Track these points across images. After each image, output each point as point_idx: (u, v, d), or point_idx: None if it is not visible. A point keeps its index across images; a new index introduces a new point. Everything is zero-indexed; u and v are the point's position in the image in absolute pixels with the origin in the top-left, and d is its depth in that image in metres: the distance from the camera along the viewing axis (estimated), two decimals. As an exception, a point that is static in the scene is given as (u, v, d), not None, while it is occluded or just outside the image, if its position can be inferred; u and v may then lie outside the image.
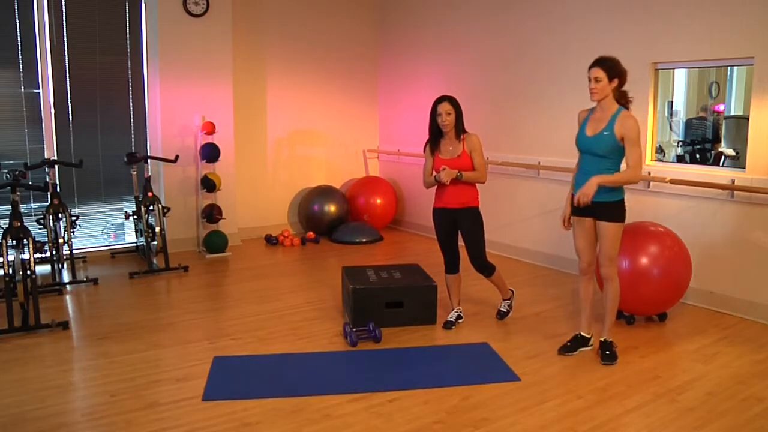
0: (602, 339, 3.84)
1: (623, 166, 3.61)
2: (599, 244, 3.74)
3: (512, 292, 4.55)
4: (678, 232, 4.39)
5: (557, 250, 5.89)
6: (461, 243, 4.28)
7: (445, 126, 4.10)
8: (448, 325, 4.33)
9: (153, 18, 6.16)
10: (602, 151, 3.60)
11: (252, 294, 5.11)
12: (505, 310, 4.51)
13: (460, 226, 4.25)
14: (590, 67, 3.64)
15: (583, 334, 3.94)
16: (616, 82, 3.61)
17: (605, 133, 3.59)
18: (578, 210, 3.71)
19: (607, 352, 3.78)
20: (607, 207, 3.64)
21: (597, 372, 3.63)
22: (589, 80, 3.62)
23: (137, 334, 4.18)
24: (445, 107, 4.08)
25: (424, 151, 4.29)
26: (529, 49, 6.02)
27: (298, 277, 5.70)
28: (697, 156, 5.26)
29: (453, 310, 4.41)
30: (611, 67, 3.59)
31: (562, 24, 5.69)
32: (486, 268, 4.28)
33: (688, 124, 5.40)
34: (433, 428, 3.00)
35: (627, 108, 3.67)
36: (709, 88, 5.36)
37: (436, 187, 4.26)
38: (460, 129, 4.14)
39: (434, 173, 4.15)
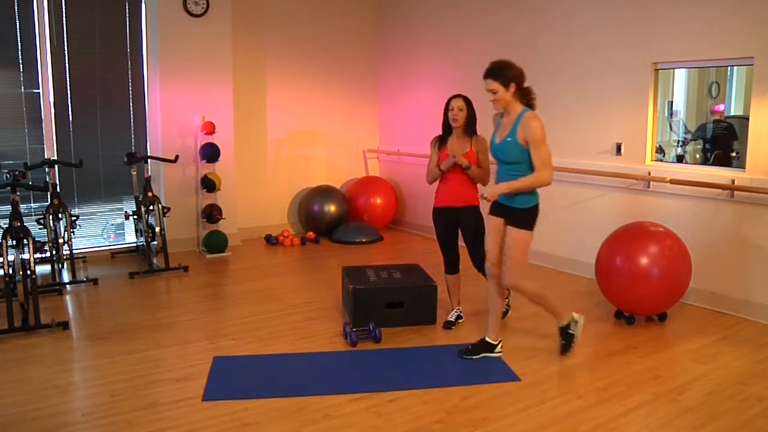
0: (561, 325, 3.82)
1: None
2: (505, 249, 3.63)
3: (508, 291, 4.54)
4: (678, 232, 4.39)
5: (557, 250, 5.89)
6: (461, 243, 4.29)
7: (454, 121, 4.14)
8: (448, 325, 4.34)
9: (153, 18, 6.16)
10: (508, 158, 3.51)
11: (252, 294, 5.11)
12: (504, 309, 4.50)
13: (461, 225, 4.26)
14: (484, 78, 3.50)
15: (488, 340, 3.84)
16: (513, 86, 3.47)
17: (508, 139, 3.49)
18: (492, 209, 3.69)
19: (564, 342, 3.79)
20: (516, 212, 3.56)
21: (597, 372, 3.63)
22: (487, 91, 3.51)
23: (137, 334, 4.18)
24: (457, 103, 4.15)
25: (431, 146, 4.32)
26: (529, 49, 6.02)
27: (298, 277, 5.70)
28: (709, 156, 5.22)
29: (453, 310, 4.41)
30: (504, 75, 3.45)
31: (562, 24, 5.69)
32: None
33: (704, 128, 5.36)
34: (433, 428, 3.00)
35: (532, 107, 3.55)
36: (709, 88, 5.35)
37: (437, 186, 4.27)
38: (470, 129, 4.18)
39: (442, 163, 4.18)
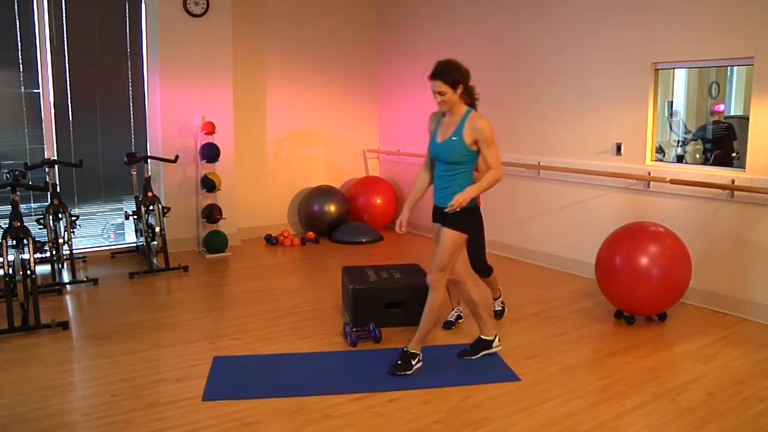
0: (406, 349, 3.62)
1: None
2: (437, 250, 3.56)
3: (500, 290, 4.55)
4: (678, 232, 4.39)
5: (557, 250, 5.89)
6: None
7: None
8: (448, 325, 4.34)
9: (153, 18, 6.16)
10: (451, 158, 3.45)
11: (252, 294, 5.11)
12: (500, 308, 4.52)
13: None
14: (431, 79, 3.40)
15: (483, 337, 3.80)
16: (461, 88, 3.41)
17: (454, 138, 3.43)
18: (436, 217, 3.58)
19: (399, 362, 3.57)
20: (454, 214, 3.45)
21: (597, 372, 3.63)
22: (433, 93, 3.41)
23: (137, 334, 4.18)
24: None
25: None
26: (529, 49, 6.02)
27: (298, 277, 5.70)
28: (709, 156, 5.22)
29: (453, 310, 4.41)
30: (452, 77, 3.38)
31: (562, 24, 5.69)
32: (485, 269, 4.29)
33: (704, 128, 5.37)
34: (433, 428, 3.00)
35: (475, 107, 3.53)
36: (709, 88, 5.35)
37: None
38: None
39: None
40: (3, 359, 3.75)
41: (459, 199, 3.38)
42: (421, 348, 3.67)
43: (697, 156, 5.26)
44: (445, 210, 3.42)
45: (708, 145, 5.22)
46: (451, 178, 3.50)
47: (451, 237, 3.51)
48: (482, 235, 4.22)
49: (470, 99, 3.52)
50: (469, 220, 3.55)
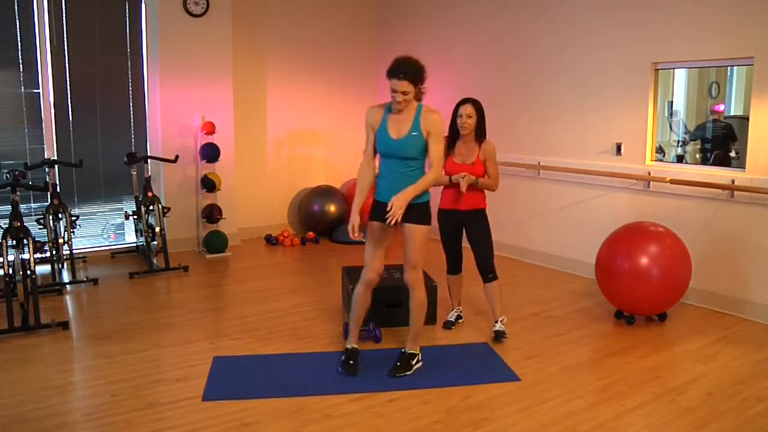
0: (404, 350, 3.64)
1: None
2: (406, 249, 3.53)
3: (504, 317, 4.26)
4: (678, 232, 4.39)
5: (557, 250, 5.89)
6: (465, 244, 4.25)
7: (463, 128, 4.01)
8: (448, 325, 4.34)
9: (153, 18, 6.16)
10: (410, 154, 3.40)
11: (252, 294, 5.11)
12: (500, 329, 4.14)
13: (468, 228, 4.18)
14: (394, 78, 3.29)
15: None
16: (420, 85, 3.37)
17: (414, 134, 3.38)
18: (377, 214, 3.50)
19: (399, 364, 3.56)
20: (415, 209, 3.43)
21: (597, 372, 3.63)
22: (395, 92, 3.31)
23: (137, 334, 4.18)
24: (466, 109, 3.99)
25: None
26: (529, 49, 6.02)
27: (298, 277, 5.70)
28: (708, 156, 5.23)
29: (453, 310, 4.41)
30: (418, 77, 3.32)
31: (562, 24, 5.69)
32: (491, 270, 4.16)
33: (701, 127, 5.37)
34: (433, 428, 3.00)
35: (421, 101, 3.47)
36: (709, 88, 5.36)
37: (443, 187, 4.18)
38: (480, 135, 4.06)
39: (453, 176, 4.04)
40: (3, 359, 3.75)
41: (399, 205, 3.31)
42: (419, 348, 3.67)
43: (697, 156, 5.27)
44: (388, 221, 3.34)
45: (708, 144, 5.22)
46: (408, 174, 3.43)
47: (419, 232, 3.49)
48: (489, 235, 4.15)
49: (420, 94, 3.46)
50: (428, 213, 3.53)
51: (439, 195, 4.20)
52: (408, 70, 3.30)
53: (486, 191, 4.19)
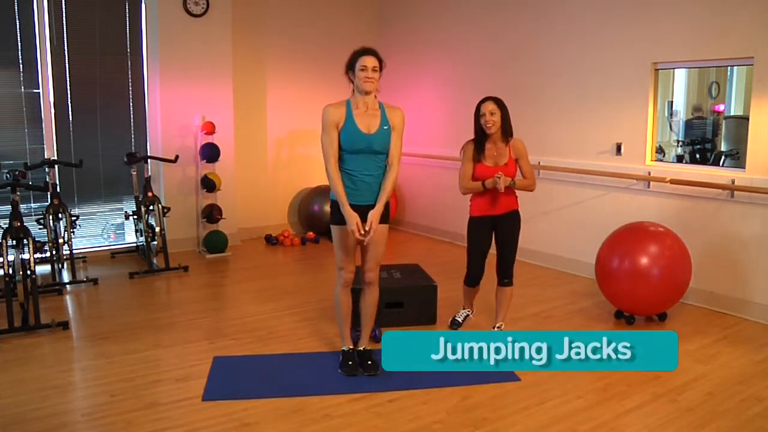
0: (365, 348, 3.65)
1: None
2: (370, 248, 3.50)
3: (503, 324, 4.23)
4: (678, 232, 4.39)
5: (557, 250, 5.89)
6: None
7: (489, 127, 3.85)
8: (455, 324, 4.30)
9: (153, 18, 6.16)
10: (383, 148, 3.41)
11: (252, 294, 5.11)
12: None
13: (499, 230, 4.04)
14: (364, 55, 3.31)
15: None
16: (381, 72, 3.38)
17: (385, 128, 3.40)
18: (340, 217, 3.45)
19: (370, 363, 3.56)
20: (387, 209, 3.48)
21: (597, 372, 3.62)
22: (365, 68, 3.29)
23: (137, 334, 4.18)
24: (488, 107, 3.85)
25: (460, 154, 4.02)
26: (529, 49, 6.02)
27: (298, 277, 5.70)
28: (697, 156, 5.26)
29: (463, 309, 4.35)
30: (380, 57, 3.35)
31: (562, 24, 5.69)
32: (510, 276, 4.12)
33: (688, 125, 5.40)
34: (433, 428, 3.00)
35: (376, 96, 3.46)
36: (709, 88, 5.36)
37: (471, 195, 4.03)
38: (507, 131, 3.93)
39: (486, 180, 3.87)
40: (3, 359, 3.75)
41: (377, 222, 3.38)
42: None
43: (686, 155, 5.28)
44: (365, 242, 3.37)
45: (697, 146, 5.25)
46: (380, 169, 3.47)
47: (384, 231, 3.54)
48: (518, 238, 4.08)
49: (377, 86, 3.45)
50: (389, 209, 3.56)
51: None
52: (373, 49, 3.37)
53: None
